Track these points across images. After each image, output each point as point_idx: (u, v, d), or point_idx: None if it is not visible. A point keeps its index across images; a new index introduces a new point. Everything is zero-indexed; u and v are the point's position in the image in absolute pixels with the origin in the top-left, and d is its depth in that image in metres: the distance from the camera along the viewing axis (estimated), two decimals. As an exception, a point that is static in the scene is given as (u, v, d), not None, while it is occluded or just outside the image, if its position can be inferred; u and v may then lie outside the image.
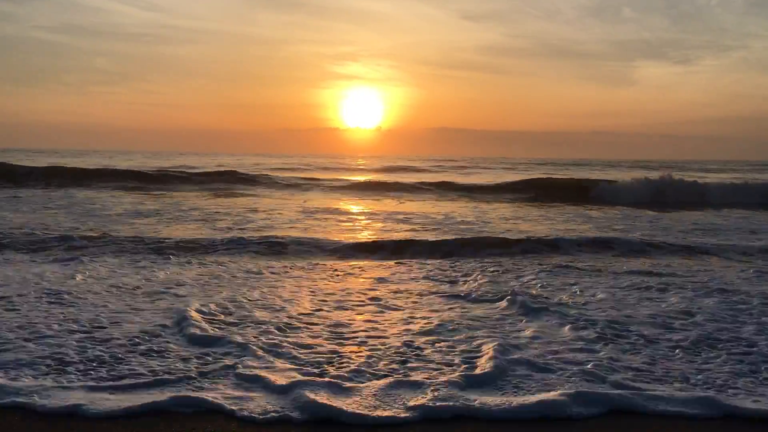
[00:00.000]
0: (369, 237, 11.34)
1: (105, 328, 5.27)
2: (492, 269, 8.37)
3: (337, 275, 7.96)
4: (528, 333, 5.32)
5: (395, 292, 6.94)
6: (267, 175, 28.81)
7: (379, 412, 3.64)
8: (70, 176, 24.59)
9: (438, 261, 9.10)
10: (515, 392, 4.00)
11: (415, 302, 6.49)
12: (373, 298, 6.60)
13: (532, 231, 12.19)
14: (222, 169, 31.28)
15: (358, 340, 5.09)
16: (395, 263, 8.91)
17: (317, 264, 8.75)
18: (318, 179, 27.41)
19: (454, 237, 11.04)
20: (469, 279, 7.76)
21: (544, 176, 31.23)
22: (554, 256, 9.57)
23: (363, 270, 8.36)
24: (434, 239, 10.72)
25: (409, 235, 11.42)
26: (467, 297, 6.73)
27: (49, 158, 44.80)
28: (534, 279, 7.77)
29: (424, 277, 7.87)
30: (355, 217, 15.18)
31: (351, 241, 10.59)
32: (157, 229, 11.63)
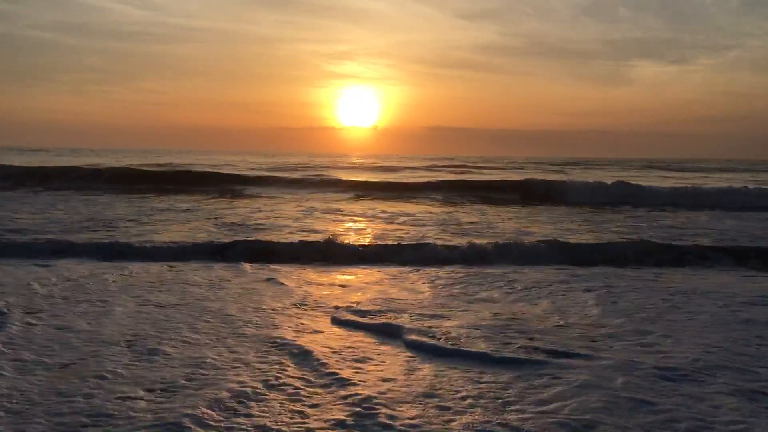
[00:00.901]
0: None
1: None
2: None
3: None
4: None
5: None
6: (265, 176, 27.38)
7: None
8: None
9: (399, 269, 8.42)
10: None
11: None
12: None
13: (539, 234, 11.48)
14: (218, 169, 30.15)
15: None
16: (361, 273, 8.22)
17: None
18: (313, 180, 26.08)
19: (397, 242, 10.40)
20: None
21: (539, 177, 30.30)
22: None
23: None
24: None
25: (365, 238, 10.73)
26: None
27: (47, 157, 44.15)
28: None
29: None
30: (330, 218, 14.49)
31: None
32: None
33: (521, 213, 16.52)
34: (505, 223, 14.02)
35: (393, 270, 8.40)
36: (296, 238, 10.72)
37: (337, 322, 5.61)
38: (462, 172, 37.14)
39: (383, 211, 15.96)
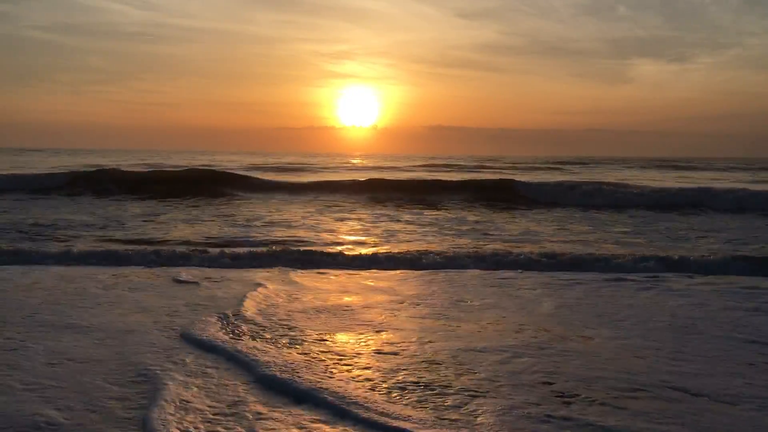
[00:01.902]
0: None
1: None
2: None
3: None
4: None
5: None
6: (258, 177, 24.54)
7: None
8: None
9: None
10: None
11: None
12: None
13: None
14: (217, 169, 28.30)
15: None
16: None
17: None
18: (309, 181, 24.03)
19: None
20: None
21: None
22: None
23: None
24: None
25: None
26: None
27: (43, 157, 43.34)
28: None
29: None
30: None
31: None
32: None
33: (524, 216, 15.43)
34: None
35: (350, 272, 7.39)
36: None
37: (188, 339, 4.46)
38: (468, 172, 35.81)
39: (381, 214, 14.78)
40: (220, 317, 5.05)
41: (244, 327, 4.80)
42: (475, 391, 3.52)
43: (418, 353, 4.20)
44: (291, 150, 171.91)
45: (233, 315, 5.14)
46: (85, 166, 31.09)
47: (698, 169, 44.83)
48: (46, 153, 65.17)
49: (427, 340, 4.51)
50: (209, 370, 3.87)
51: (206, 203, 16.36)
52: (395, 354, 4.19)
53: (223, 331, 4.65)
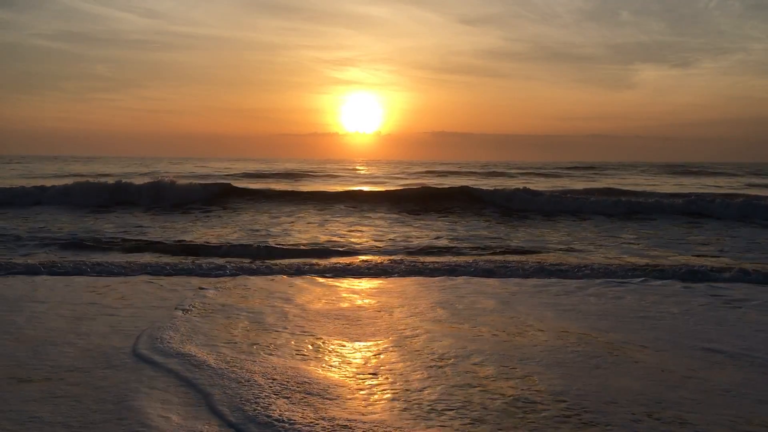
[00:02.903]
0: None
1: None
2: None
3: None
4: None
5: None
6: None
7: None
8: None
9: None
10: None
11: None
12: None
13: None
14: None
15: None
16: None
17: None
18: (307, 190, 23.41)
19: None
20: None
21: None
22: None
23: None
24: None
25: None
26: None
27: (41, 164, 43.00)
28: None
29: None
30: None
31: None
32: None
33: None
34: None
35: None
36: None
37: (140, 356, 4.17)
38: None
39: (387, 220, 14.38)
40: (183, 329, 4.76)
41: (204, 340, 4.50)
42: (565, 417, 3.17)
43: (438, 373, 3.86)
44: (297, 156, 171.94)
45: (195, 327, 4.86)
46: (96, 174, 30.84)
47: (713, 175, 44.24)
48: (51, 161, 64.83)
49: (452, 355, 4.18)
50: (174, 401, 3.47)
51: (226, 212, 15.99)
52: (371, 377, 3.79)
53: (181, 345, 4.36)
